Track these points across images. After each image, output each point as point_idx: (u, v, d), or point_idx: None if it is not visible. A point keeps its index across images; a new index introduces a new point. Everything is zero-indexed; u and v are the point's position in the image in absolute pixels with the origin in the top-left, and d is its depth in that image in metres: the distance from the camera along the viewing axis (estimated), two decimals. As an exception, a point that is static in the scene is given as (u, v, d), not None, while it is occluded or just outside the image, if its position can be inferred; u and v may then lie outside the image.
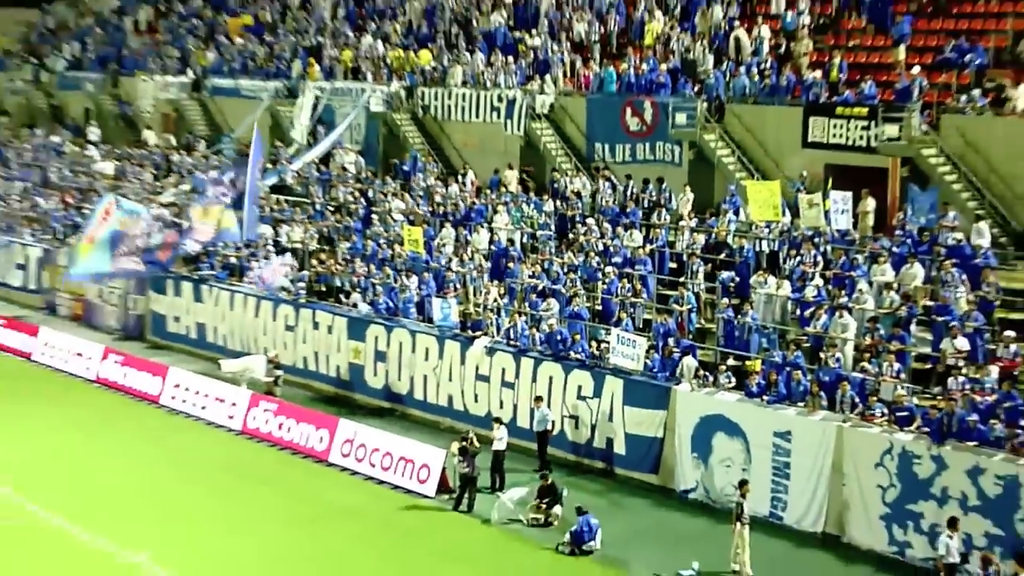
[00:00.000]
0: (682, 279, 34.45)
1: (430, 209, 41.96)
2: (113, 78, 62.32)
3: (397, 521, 28.96)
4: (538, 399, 31.95)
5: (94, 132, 60.91)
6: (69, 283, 44.89)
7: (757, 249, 34.21)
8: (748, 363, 30.38)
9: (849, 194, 33.20)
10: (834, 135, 35.92)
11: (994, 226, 32.73)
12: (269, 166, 48.99)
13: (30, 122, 66.44)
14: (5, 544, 27.10)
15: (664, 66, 41.85)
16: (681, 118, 39.36)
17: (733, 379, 30.08)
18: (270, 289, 39.56)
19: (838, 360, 29.03)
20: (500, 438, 30.46)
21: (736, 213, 35.77)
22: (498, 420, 31.22)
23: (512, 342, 33.86)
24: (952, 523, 24.09)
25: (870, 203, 34.08)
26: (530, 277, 35.94)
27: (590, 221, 37.69)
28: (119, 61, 63.16)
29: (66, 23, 71.23)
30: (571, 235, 37.78)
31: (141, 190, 51.28)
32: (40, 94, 66.71)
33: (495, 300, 35.41)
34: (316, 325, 38.67)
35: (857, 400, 27.86)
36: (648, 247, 35.78)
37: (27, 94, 67.47)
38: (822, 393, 28.46)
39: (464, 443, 29.50)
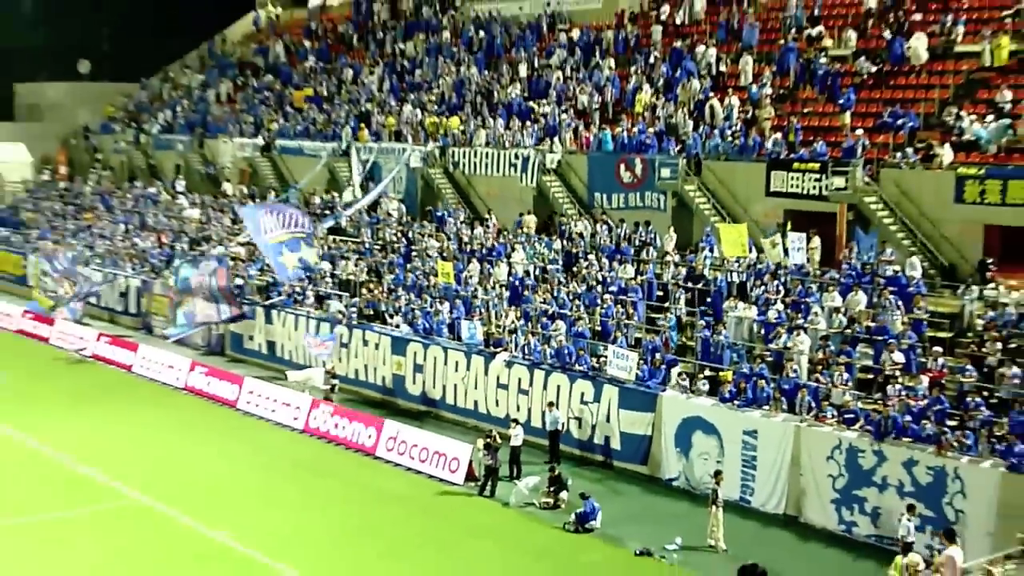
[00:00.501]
0: (667, 304, 34.48)
1: (459, 247, 42.00)
2: (199, 140, 62.56)
3: (432, 504, 28.95)
4: (550, 404, 31.91)
5: (182, 184, 61.09)
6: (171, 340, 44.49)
7: (728, 280, 34.18)
8: (721, 374, 30.34)
9: (804, 235, 33.27)
10: (792, 186, 35.88)
11: (924, 260, 32.67)
12: (327, 212, 49.18)
13: (131, 176, 66.71)
14: (110, 521, 27.23)
15: (651, 129, 41.92)
16: (665, 172, 39.36)
17: (708, 386, 30.11)
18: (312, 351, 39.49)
19: (796, 371, 29.03)
20: (516, 435, 30.48)
21: (711, 250, 35.77)
22: (515, 421, 31.22)
23: (527, 357, 33.88)
24: (911, 508, 23.98)
25: (816, 241, 34.06)
26: (541, 303, 35.98)
27: (591, 257, 37.73)
28: (204, 126, 63.41)
29: (160, 95, 71.60)
30: (575, 268, 37.81)
31: (221, 232, 51.58)
32: (139, 153, 66.97)
33: (513, 322, 35.44)
34: (365, 343, 38.70)
35: (812, 404, 27.86)
36: (639, 278, 35.82)
37: (128, 153, 67.74)
38: (783, 399, 28.50)
39: (488, 440, 29.52)
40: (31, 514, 27.30)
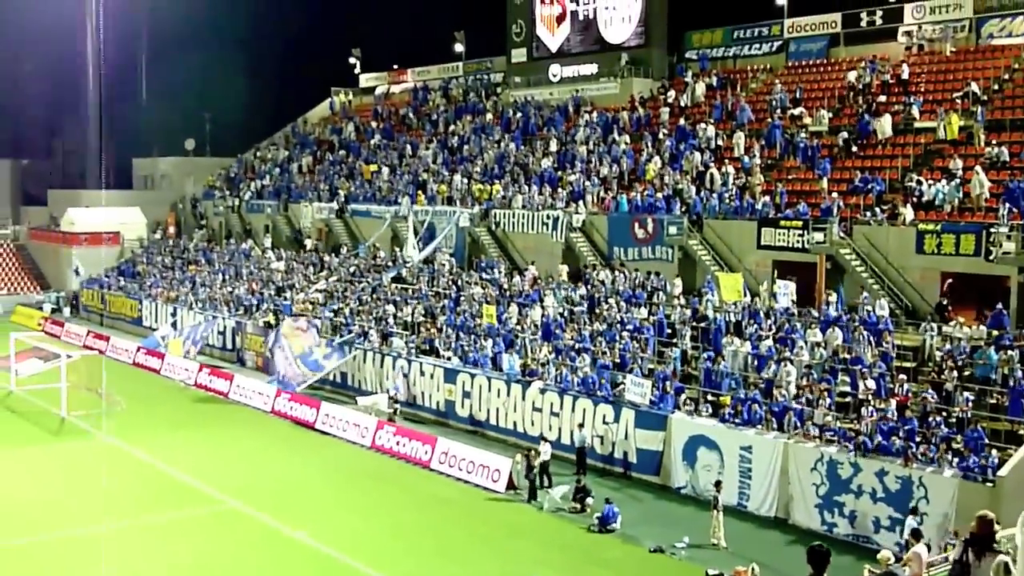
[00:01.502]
0: (674, 340, 34.39)
1: (500, 293, 42.06)
2: (284, 204, 63.11)
3: (478, 508, 28.93)
4: (580, 425, 31.87)
5: (268, 241, 61.59)
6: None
7: (727, 319, 34.09)
8: (721, 398, 30.25)
9: (790, 283, 33.24)
10: (779, 240, 35.86)
11: (891, 302, 32.53)
12: (391, 264, 49.42)
13: (228, 234, 67.31)
14: (208, 522, 27.42)
15: (660, 194, 42.00)
16: (673, 229, 39.39)
17: (710, 409, 29.99)
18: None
19: (784, 396, 28.87)
20: (545, 451, 30.37)
21: (712, 294, 35.69)
22: (544, 439, 31.16)
23: (558, 384, 33.83)
24: (914, 511, 23.68)
25: (792, 286, 33.89)
26: (570, 339, 35.93)
27: (611, 300, 37.71)
28: (288, 193, 63.97)
29: (252, 167, 72.31)
30: (597, 310, 37.78)
31: (303, 279, 51.93)
32: (235, 216, 67.60)
33: (545, 356, 35.42)
34: (423, 372, 38.77)
35: (798, 424, 27.70)
36: (651, 318, 35.76)
37: (226, 216, 68.40)
38: (773, 419, 28.33)
39: (528, 456, 29.53)
40: (144, 515, 27.52)
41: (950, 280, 31.90)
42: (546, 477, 30.10)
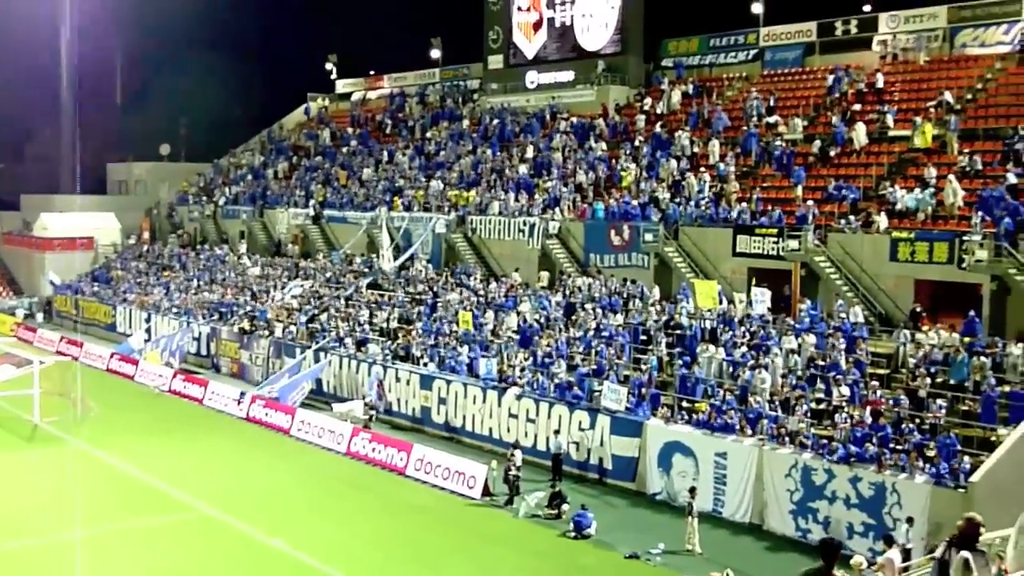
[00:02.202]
0: (650, 347, 34.47)
1: (476, 300, 42.08)
2: (260, 210, 62.88)
3: (454, 515, 28.93)
4: (556, 432, 31.92)
5: (243, 246, 61.41)
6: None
7: (702, 326, 34.23)
8: (697, 405, 30.38)
9: (766, 290, 33.41)
10: (754, 247, 36.07)
11: (864, 310, 32.75)
12: (367, 270, 49.41)
13: (203, 240, 67.04)
14: (182, 529, 27.28)
15: (636, 201, 42.14)
16: (649, 236, 39.51)
17: (685, 416, 30.10)
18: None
19: (759, 403, 29.02)
20: (517, 459, 30.41)
21: (687, 301, 35.82)
22: (515, 446, 31.10)
23: (534, 390, 33.86)
24: (910, 520, 23.79)
25: (767, 292, 34.04)
26: (546, 346, 35.97)
27: (588, 307, 37.78)
28: (264, 198, 63.78)
29: (227, 173, 72.06)
30: (574, 317, 37.86)
31: (278, 281, 51.81)
32: (210, 221, 67.31)
33: (521, 362, 35.46)
34: (398, 379, 38.73)
35: (772, 430, 27.83)
36: (627, 325, 35.82)
37: (201, 221, 68.08)
38: (748, 427, 28.42)
39: (510, 459, 29.80)
40: (118, 522, 27.37)
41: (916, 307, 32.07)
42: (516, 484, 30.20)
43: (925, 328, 30.53)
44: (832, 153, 39.45)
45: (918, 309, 31.78)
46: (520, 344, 37.16)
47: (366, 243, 53.15)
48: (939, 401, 26.74)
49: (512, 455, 30.15)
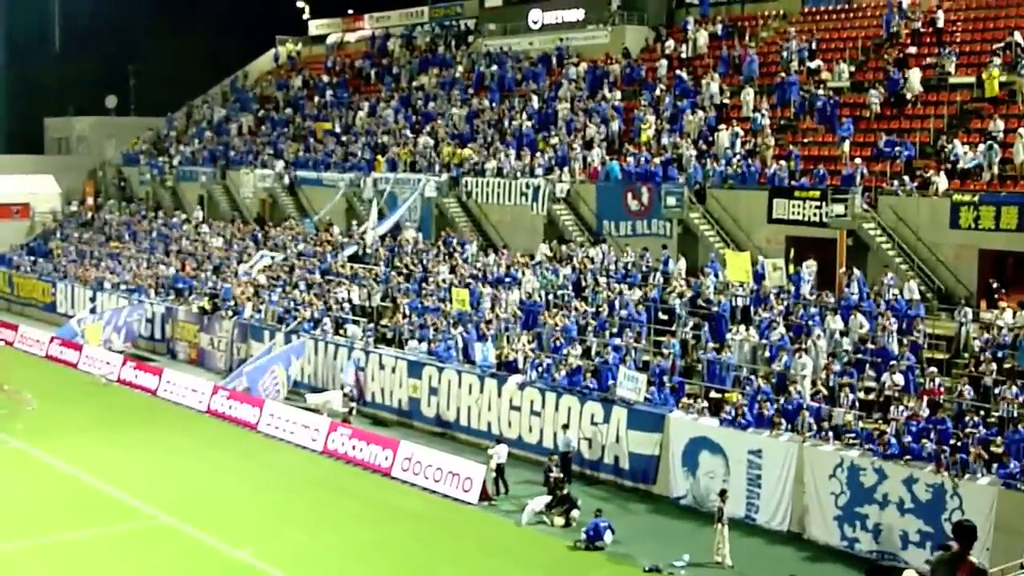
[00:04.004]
0: (673, 328, 34.43)
1: (472, 274, 42.02)
2: (221, 171, 62.77)
3: (446, 522, 28.92)
4: (564, 427, 31.94)
5: (202, 213, 61.31)
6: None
7: (733, 304, 34.18)
8: (727, 395, 30.38)
9: (814, 265, 33.35)
10: (793, 213, 35.97)
11: (921, 284, 32.71)
12: (346, 239, 49.39)
13: (156, 206, 66.94)
14: (136, 540, 27.26)
15: (657, 159, 42.04)
16: (671, 200, 39.42)
17: (712, 407, 30.09)
18: None
19: (799, 392, 28.99)
20: (501, 453, 30.60)
21: (716, 275, 35.78)
22: (498, 439, 31.32)
23: (540, 378, 33.84)
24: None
25: (813, 265, 34.05)
26: (553, 328, 35.92)
27: (600, 280, 37.74)
28: (226, 157, 63.65)
29: (184, 128, 71.95)
30: (584, 293, 37.81)
31: (242, 254, 51.78)
32: (164, 185, 67.12)
33: (524, 345, 35.43)
34: (382, 366, 38.73)
35: (813, 424, 27.82)
36: (646, 303, 35.79)
37: (153, 184, 67.92)
38: (782, 420, 28.36)
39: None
40: (59, 533, 27.32)
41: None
42: (502, 483, 30.34)
43: (1002, 305, 30.38)
44: (883, 104, 39.30)
45: (994, 284, 31.64)
46: (523, 325, 37.13)
47: (344, 209, 53.05)
48: (1013, 389, 26.64)
49: (493, 452, 30.24)
